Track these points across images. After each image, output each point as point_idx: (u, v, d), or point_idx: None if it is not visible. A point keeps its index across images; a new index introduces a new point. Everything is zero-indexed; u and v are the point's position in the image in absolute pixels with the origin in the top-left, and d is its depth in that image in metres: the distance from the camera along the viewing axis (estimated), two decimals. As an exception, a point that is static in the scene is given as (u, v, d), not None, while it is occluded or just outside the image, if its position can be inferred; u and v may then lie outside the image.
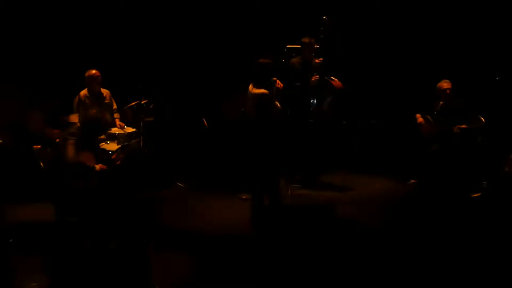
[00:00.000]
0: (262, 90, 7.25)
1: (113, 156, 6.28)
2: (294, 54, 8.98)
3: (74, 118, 7.18)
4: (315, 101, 8.66)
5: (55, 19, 9.61)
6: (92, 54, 9.62)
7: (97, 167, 5.81)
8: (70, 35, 9.75)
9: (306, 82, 8.57)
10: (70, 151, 5.81)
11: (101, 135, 6.65)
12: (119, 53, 9.99)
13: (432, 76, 9.40)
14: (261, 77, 7.35)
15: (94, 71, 8.58)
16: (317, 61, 8.59)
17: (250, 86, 7.38)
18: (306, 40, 8.61)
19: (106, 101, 8.78)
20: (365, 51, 10.48)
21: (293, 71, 8.60)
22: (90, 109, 6.30)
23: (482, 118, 8.44)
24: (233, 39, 10.37)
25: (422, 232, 6.65)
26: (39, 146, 7.31)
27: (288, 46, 8.96)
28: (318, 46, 8.54)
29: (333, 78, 8.73)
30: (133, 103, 8.71)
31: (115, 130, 8.57)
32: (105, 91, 8.80)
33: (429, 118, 8.30)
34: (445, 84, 8.36)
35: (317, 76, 8.55)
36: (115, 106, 8.94)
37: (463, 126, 8.13)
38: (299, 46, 8.74)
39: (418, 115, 8.55)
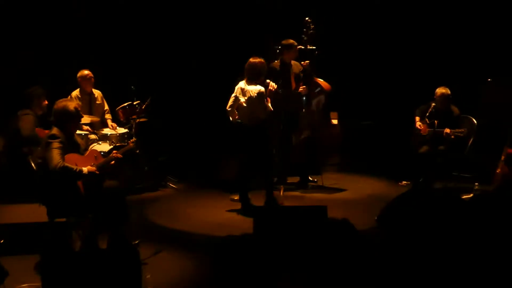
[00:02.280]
0: (260, 88, 7.43)
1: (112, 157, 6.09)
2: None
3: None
4: (304, 99, 8.67)
5: (48, 21, 9.60)
6: (83, 55, 9.61)
7: (85, 169, 5.70)
8: (62, 36, 9.73)
9: (287, 85, 8.51)
10: (54, 154, 5.58)
11: (76, 128, 6.31)
12: (111, 54, 9.98)
13: (425, 77, 9.45)
14: (252, 76, 7.45)
15: (86, 72, 8.59)
16: (303, 63, 8.58)
17: (243, 84, 7.50)
18: (285, 42, 8.50)
19: (97, 102, 8.79)
20: (358, 52, 10.52)
21: (274, 74, 8.53)
22: (59, 100, 6.02)
23: (474, 120, 8.47)
24: (224, 40, 10.39)
25: (414, 233, 6.65)
26: (30, 147, 7.28)
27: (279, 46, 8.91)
28: (302, 47, 8.55)
29: (319, 80, 8.74)
30: (125, 104, 8.71)
31: (107, 131, 8.57)
32: (96, 92, 8.81)
33: (426, 119, 8.28)
34: (436, 90, 8.29)
35: (304, 86, 8.52)
36: (106, 107, 8.94)
37: (448, 131, 8.10)
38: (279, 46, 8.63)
39: (417, 118, 8.47)
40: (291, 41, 8.47)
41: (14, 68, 9.22)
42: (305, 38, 8.59)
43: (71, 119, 5.86)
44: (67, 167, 5.54)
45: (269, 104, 7.59)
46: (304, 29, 8.56)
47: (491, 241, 5.58)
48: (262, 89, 7.50)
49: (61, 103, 5.91)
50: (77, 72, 8.62)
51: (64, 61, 9.52)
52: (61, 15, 9.70)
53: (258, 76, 7.50)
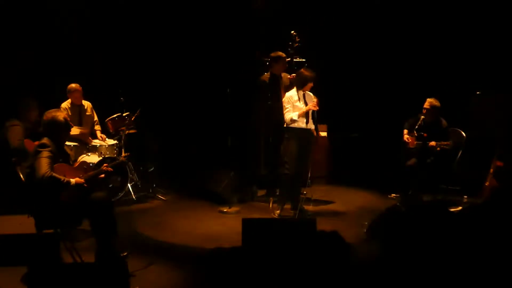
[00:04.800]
0: (286, 95, 7.86)
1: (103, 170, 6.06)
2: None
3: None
4: None
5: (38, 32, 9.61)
6: (74, 66, 9.60)
7: (73, 181, 5.67)
8: (51, 47, 9.73)
9: (277, 97, 8.50)
10: (43, 163, 5.57)
11: (66, 139, 6.27)
12: (101, 65, 9.98)
13: (414, 90, 9.49)
14: (301, 86, 7.79)
15: (75, 85, 8.60)
16: (289, 77, 8.59)
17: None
18: (274, 55, 8.50)
19: (87, 113, 8.78)
20: (347, 64, 10.57)
21: (263, 87, 8.54)
22: (48, 111, 6.01)
23: (463, 133, 8.50)
24: (213, 53, 10.42)
25: (402, 246, 6.66)
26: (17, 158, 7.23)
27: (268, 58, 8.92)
28: (288, 59, 8.57)
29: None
30: (115, 115, 8.70)
31: (96, 142, 8.56)
32: (86, 103, 8.80)
33: (414, 132, 8.29)
34: (426, 101, 8.30)
35: None
36: (96, 118, 8.92)
37: (434, 144, 8.10)
38: (268, 59, 8.64)
39: (405, 131, 8.48)
40: (280, 53, 8.47)
41: (14, 68, 9.20)
42: (291, 51, 8.61)
43: (60, 130, 5.88)
44: (54, 177, 5.52)
45: (292, 116, 7.71)
46: (290, 42, 8.59)
47: (480, 253, 5.58)
48: (288, 95, 7.81)
49: (50, 113, 5.91)
50: (67, 83, 8.61)
51: (54, 72, 9.51)
52: (51, 26, 9.70)
53: (302, 84, 7.78)
